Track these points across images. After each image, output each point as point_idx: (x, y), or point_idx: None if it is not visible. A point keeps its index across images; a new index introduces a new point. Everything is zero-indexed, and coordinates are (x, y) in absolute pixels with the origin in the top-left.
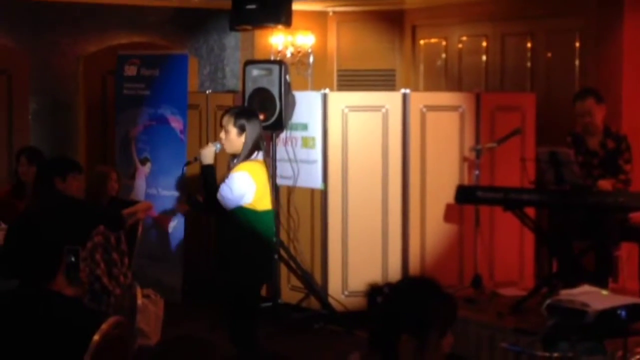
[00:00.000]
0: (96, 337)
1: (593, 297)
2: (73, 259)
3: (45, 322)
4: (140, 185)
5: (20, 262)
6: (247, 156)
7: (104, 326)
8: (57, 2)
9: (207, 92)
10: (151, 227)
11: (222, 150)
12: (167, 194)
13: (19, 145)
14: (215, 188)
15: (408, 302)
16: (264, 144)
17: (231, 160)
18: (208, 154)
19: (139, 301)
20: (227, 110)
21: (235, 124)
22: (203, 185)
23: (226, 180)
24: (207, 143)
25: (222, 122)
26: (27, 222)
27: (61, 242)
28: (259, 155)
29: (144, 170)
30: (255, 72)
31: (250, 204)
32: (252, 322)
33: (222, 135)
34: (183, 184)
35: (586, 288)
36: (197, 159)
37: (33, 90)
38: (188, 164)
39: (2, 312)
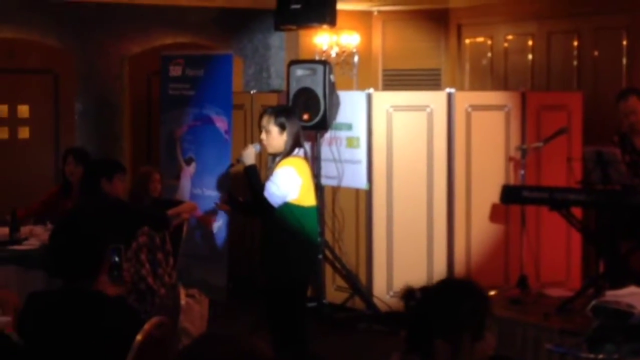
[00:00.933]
0: (138, 337)
1: (639, 299)
2: (116, 258)
3: (88, 322)
4: (186, 185)
5: (63, 262)
6: (289, 153)
7: (146, 326)
8: (102, 3)
9: (252, 92)
10: (196, 227)
11: (263, 151)
12: (212, 193)
13: (65, 146)
14: (261, 187)
15: (437, 306)
16: (303, 140)
17: (271, 160)
18: (249, 154)
19: (182, 301)
20: (265, 111)
21: (275, 123)
22: (248, 186)
23: (271, 178)
24: (251, 143)
25: (262, 123)
26: (71, 222)
27: (104, 242)
28: (300, 152)
29: (189, 170)
30: (299, 72)
31: (296, 200)
32: (301, 321)
33: (263, 136)
34: (224, 183)
35: (632, 289)
36: (239, 160)
37: (79, 91)
38: (231, 166)
39: (45, 311)
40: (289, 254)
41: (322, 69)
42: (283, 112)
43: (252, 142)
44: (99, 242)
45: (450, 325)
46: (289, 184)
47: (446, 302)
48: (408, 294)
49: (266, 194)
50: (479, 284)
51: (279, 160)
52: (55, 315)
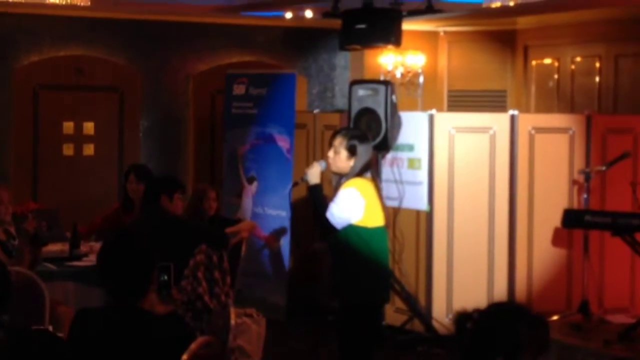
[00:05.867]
0: (184, 357)
1: None
2: (165, 277)
3: (134, 341)
4: (247, 203)
5: (111, 279)
6: (356, 175)
7: (192, 346)
8: (168, 21)
9: (315, 111)
10: (262, 246)
11: (327, 169)
12: (273, 213)
13: (129, 163)
14: (324, 207)
15: (499, 326)
16: (374, 169)
17: (336, 179)
18: (314, 173)
19: (233, 321)
20: (340, 130)
21: (346, 146)
22: (313, 205)
23: (335, 199)
24: (315, 160)
25: (334, 142)
26: (120, 240)
27: (153, 261)
28: (367, 174)
29: (251, 189)
30: (361, 92)
31: (360, 221)
32: (370, 345)
33: (331, 154)
34: (290, 204)
35: None
36: (303, 179)
37: (144, 108)
38: (295, 185)
39: (93, 328)
40: (360, 278)
41: (384, 90)
42: (356, 137)
43: (315, 160)
44: (147, 260)
45: (511, 346)
46: (351, 206)
47: (508, 322)
48: (464, 316)
49: (328, 214)
50: (531, 308)
51: (344, 181)
52: (102, 333)
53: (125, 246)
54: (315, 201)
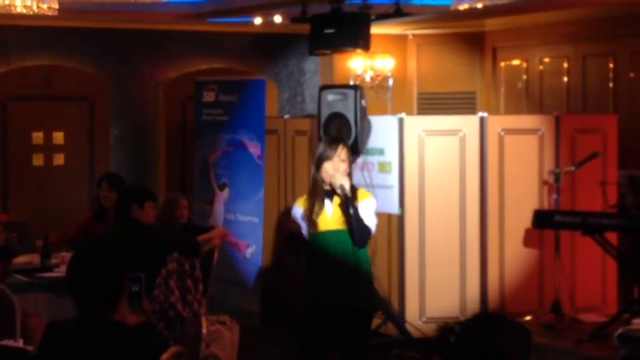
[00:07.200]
0: None
1: None
2: (136, 288)
3: (105, 354)
4: (219, 210)
5: (81, 291)
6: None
7: (164, 356)
8: (137, 29)
9: (285, 117)
10: (229, 252)
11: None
12: (245, 219)
13: (100, 172)
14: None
15: (482, 338)
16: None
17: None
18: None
19: (204, 330)
20: (337, 141)
21: (348, 153)
22: (355, 219)
23: (372, 211)
24: (284, 168)
25: (340, 154)
26: (89, 252)
27: (123, 271)
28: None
29: (223, 195)
30: (330, 97)
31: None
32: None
33: (344, 166)
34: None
35: None
36: (344, 191)
37: (114, 117)
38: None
39: (63, 341)
40: (370, 281)
41: (353, 94)
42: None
43: (285, 167)
44: (116, 271)
45: (496, 357)
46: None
47: (491, 333)
48: (446, 329)
49: (374, 227)
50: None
51: (355, 188)
52: (73, 346)
53: (94, 258)
54: (359, 215)
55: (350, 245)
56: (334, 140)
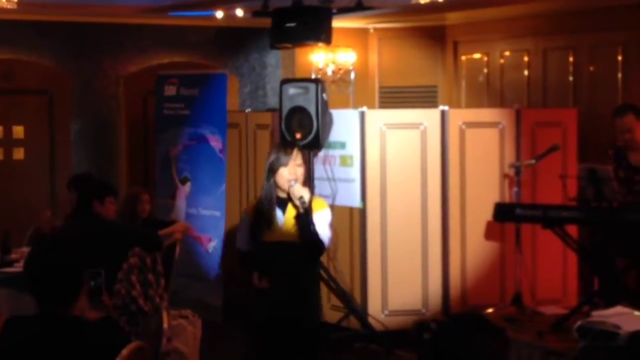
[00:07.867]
0: None
1: (626, 319)
2: (93, 283)
3: (64, 349)
4: (181, 204)
5: (38, 287)
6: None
7: (124, 351)
8: (98, 23)
9: (247, 110)
10: (191, 246)
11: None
12: (207, 213)
13: (60, 166)
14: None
15: (456, 336)
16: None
17: (273, 188)
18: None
19: (165, 324)
20: (290, 144)
21: (303, 158)
22: (306, 229)
23: (326, 221)
24: (246, 161)
25: (296, 159)
26: (46, 247)
27: (81, 267)
28: None
29: (184, 189)
30: (291, 90)
31: None
32: None
33: (300, 171)
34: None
35: (619, 309)
36: (303, 202)
37: (75, 111)
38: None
39: (22, 338)
40: (316, 296)
41: (314, 88)
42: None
43: (247, 162)
44: (74, 266)
45: (469, 355)
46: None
47: (464, 333)
48: (421, 326)
49: (327, 239)
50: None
51: (311, 198)
52: (31, 341)
53: (51, 253)
54: (312, 228)
55: (300, 258)
56: (289, 145)
